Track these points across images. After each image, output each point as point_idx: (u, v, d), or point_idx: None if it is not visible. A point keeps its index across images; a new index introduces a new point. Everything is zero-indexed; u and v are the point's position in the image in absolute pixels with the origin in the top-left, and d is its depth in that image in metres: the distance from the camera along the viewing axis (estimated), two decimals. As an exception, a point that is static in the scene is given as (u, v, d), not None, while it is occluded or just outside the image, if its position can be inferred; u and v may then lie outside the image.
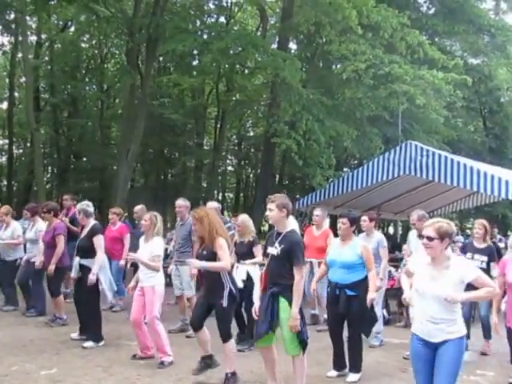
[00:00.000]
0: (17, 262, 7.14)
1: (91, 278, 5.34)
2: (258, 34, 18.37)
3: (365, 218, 5.91)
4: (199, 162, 22.25)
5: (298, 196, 17.55)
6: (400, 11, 14.60)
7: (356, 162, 19.74)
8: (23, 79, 19.92)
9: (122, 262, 6.39)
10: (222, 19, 19.17)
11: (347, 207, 11.33)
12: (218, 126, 21.92)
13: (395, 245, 12.71)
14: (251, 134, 25.48)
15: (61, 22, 20.19)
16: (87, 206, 5.70)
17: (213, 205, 6.82)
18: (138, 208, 7.22)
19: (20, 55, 18.90)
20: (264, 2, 16.65)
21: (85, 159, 22.27)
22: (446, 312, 3.05)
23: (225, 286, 4.24)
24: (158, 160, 22.49)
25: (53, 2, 15.38)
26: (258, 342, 4.05)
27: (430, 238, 3.08)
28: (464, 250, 6.08)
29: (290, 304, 3.83)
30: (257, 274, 5.41)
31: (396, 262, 9.14)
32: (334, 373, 4.75)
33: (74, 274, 5.60)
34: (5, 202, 23.83)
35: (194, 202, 6.92)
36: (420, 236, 3.36)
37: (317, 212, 7.12)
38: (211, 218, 4.29)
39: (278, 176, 21.38)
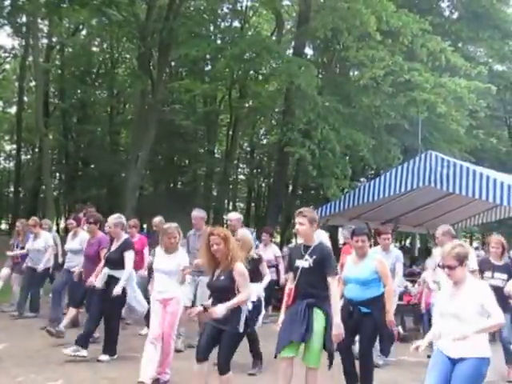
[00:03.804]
0: (49, 270, 7.45)
1: (117, 289, 5.22)
2: (274, 38, 17.98)
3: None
4: (210, 170, 21.81)
5: (312, 207, 16.99)
6: (422, 16, 14.18)
7: (373, 172, 19.17)
8: (33, 83, 19.71)
9: (145, 272, 6.40)
10: (237, 23, 18.82)
11: (363, 219, 10.94)
12: (230, 133, 21.54)
13: (413, 259, 12.17)
14: (264, 142, 25.04)
15: (72, 26, 20.02)
16: (122, 218, 5.65)
17: (235, 216, 6.39)
18: (157, 220, 7.09)
19: (30, 59, 18.72)
20: (280, 6, 16.26)
21: (93, 166, 21.98)
22: None
23: (242, 311, 3.86)
24: (167, 167, 22.14)
25: (65, 6, 15.09)
26: (282, 351, 3.88)
27: None
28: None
29: (326, 315, 3.88)
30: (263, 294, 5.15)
31: (414, 276, 8.76)
32: None
33: (100, 284, 5.41)
34: (12, 208, 23.73)
35: (205, 212, 6.68)
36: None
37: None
38: (234, 241, 3.95)
39: (291, 186, 20.83)
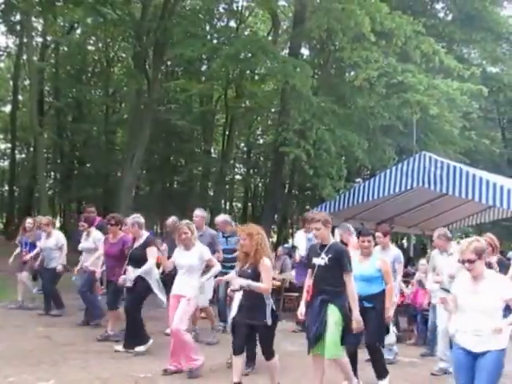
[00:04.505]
0: (57, 269, 7.57)
1: (135, 273, 5.47)
2: (270, 38, 17.98)
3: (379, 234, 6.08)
4: (206, 169, 21.78)
5: (307, 207, 17.04)
6: (416, 18, 14.23)
7: (368, 172, 19.19)
8: (27, 82, 19.63)
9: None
10: (233, 23, 18.81)
11: (358, 219, 10.95)
12: (227, 133, 21.51)
13: (408, 259, 12.20)
14: (260, 141, 25.04)
15: (67, 24, 19.94)
16: (139, 218, 5.84)
17: (220, 218, 6.48)
18: (170, 221, 7.27)
19: (25, 57, 18.63)
20: (276, 7, 16.25)
21: (88, 165, 21.91)
22: None
23: (266, 305, 4.27)
24: (163, 167, 22.09)
25: (59, 4, 15.05)
26: (312, 349, 4.22)
27: None
28: None
29: (339, 309, 4.16)
30: None
31: (408, 277, 8.71)
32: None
33: (131, 283, 5.65)
34: (6, 207, 23.63)
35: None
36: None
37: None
38: (261, 237, 4.33)
39: (287, 186, 20.84)
